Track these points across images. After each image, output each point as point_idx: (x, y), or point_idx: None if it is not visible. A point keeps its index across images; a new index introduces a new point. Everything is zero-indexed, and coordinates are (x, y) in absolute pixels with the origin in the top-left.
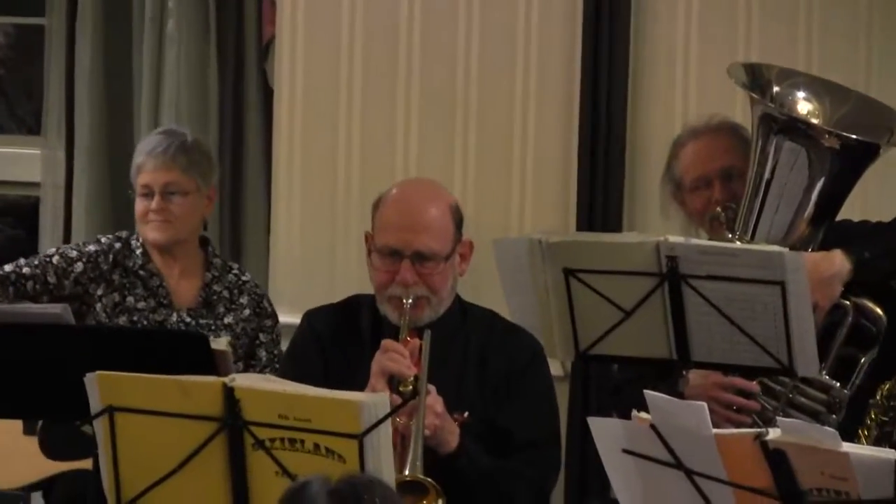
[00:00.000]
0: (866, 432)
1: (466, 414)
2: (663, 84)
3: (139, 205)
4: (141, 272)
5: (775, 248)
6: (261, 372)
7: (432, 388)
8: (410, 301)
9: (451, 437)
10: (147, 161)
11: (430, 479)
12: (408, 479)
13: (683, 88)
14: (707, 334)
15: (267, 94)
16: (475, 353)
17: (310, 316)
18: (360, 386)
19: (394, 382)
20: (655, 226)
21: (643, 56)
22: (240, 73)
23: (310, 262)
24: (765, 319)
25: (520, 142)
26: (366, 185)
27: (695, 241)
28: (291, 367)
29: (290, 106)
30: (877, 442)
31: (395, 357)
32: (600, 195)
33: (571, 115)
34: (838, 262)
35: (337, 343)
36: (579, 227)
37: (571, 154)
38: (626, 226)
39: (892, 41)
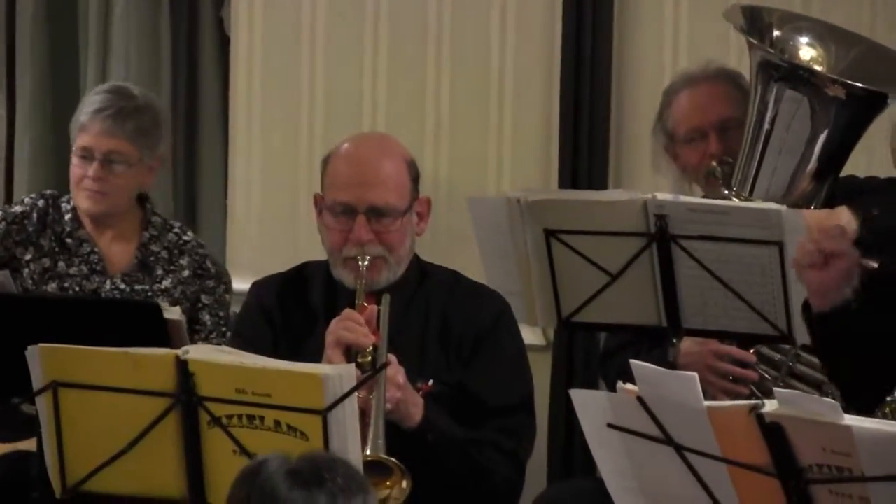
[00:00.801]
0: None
1: (430, 382)
2: (651, 30)
3: (76, 168)
4: (68, 240)
5: (772, 205)
6: (206, 338)
7: (392, 357)
8: (367, 262)
9: (415, 409)
10: (91, 122)
11: (393, 459)
12: (369, 459)
13: (673, 35)
14: (699, 299)
15: (223, 44)
16: (437, 316)
17: (256, 287)
18: (313, 359)
19: (351, 353)
20: (644, 183)
21: (629, 2)
22: (194, 20)
23: (270, 225)
24: (761, 283)
25: (497, 93)
26: (330, 143)
27: (685, 198)
28: (238, 344)
29: (249, 56)
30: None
31: (352, 326)
32: (584, 150)
33: (552, 63)
34: (845, 219)
35: (286, 315)
36: (561, 185)
37: (553, 105)
38: (611, 183)
39: None
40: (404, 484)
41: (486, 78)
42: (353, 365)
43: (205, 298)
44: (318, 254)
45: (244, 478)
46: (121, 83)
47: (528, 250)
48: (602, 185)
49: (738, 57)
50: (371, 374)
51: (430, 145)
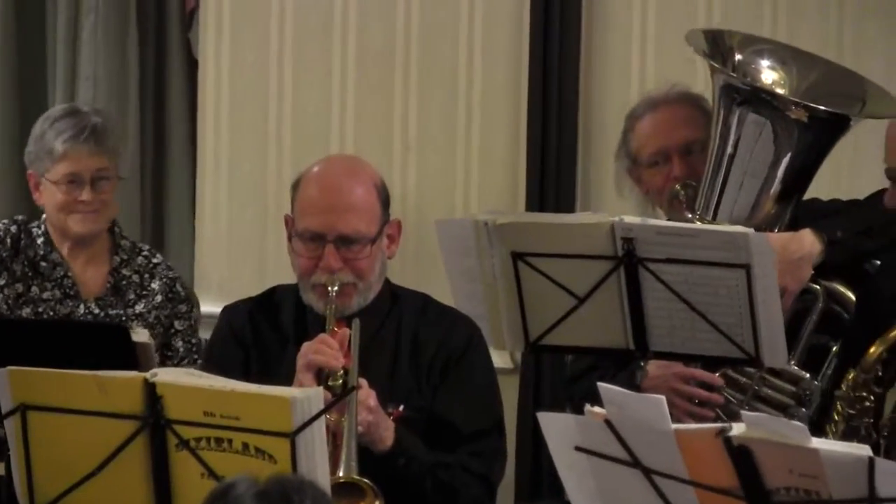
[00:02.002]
0: (833, 427)
1: (402, 407)
2: (619, 51)
3: (63, 195)
4: (42, 264)
5: (739, 228)
6: (178, 364)
7: (364, 381)
8: (336, 289)
9: (387, 433)
10: (73, 148)
11: (366, 480)
12: (342, 480)
13: (640, 56)
14: (667, 322)
15: (191, 66)
16: (408, 340)
17: (227, 312)
18: (284, 383)
19: (322, 376)
20: (612, 205)
21: (597, 21)
22: (161, 42)
23: (238, 247)
24: (729, 305)
25: (464, 116)
26: (298, 164)
27: (653, 221)
28: (210, 367)
29: (216, 78)
30: (844, 437)
31: (323, 349)
32: (552, 172)
33: (520, 85)
34: (808, 242)
35: (257, 338)
36: (529, 207)
37: (520, 128)
38: (579, 206)
39: (864, 6)
40: None
41: (454, 100)
42: (322, 388)
43: (178, 324)
44: (286, 276)
45: (212, 500)
46: (71, 104)
47: (496, 273)
48: (569, 207)
49: (706, 79)
50: (341, 396)
51: (398, 167)
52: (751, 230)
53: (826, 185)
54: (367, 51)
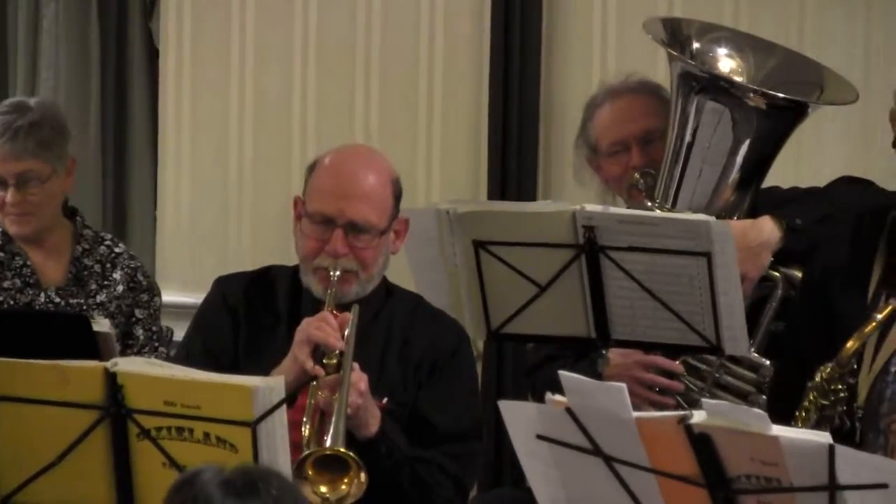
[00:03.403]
0: (804, 414)
1: (385, 400)
2: (580, 41)
3: None
4: (0, 254)
5: (700, 216)
6: (138, 353)
7: (356, 365)
8: (338, 273)
9: (373, 419)
10: None
11: (351, 454)
12: (328, 452)
13: (601, 46)
14: (628, 310)
15: (152, 55)
16: (398, 336)
17: (221, 282)
18: (273, 360)
19: (317, 354)
20: (573, 195)
21: (558, 11)
22: (123, 32)
23: (200, 237)
24: (690, 294)
25: (425, 106)
26: (260, 153)
27: (614, 209)
28: (199, 337)
29: (178, 67)
30: (816, 426)
31: (324, 327)
32: (513, 161)
33: (481, 75)
34: (768, 229)
35: (250, 311)
36: (491, 196)
37: (481, 117)
38: (540, 194)
39: None
40: (362, 477)
41: (415, 90)
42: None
43: (139, 313)
44: (248, 265)
45: (178, 487)
46: (17, 98)
47: (458, 262)
48: (531, 196)
49: (667, 68)
50: (328, 373)
51: None
52: (712, 218)
53: (788, 173)
54: (328, 41)
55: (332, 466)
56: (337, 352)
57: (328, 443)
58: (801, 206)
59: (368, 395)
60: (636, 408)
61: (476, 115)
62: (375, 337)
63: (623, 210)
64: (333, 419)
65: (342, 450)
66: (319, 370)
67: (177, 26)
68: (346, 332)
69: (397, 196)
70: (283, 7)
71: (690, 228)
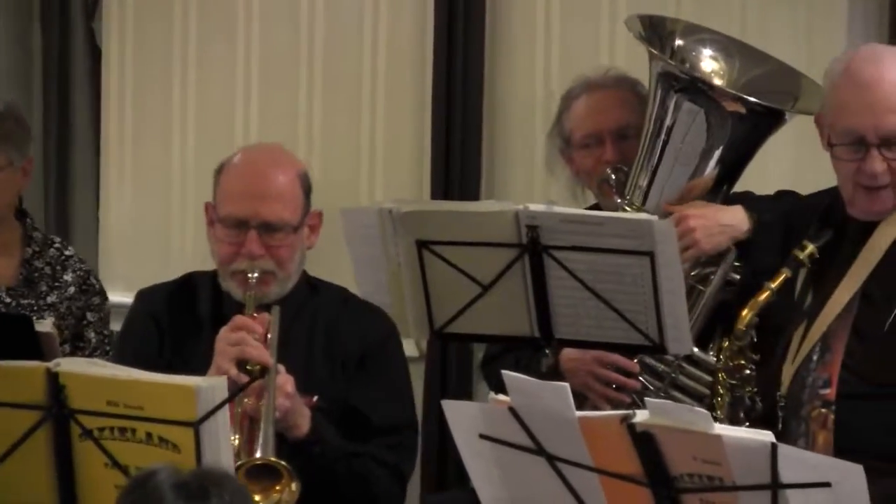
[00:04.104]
0: (718, 399)
1: (315, 398)
2: (522, 41)
3: None
4: None
5: (643, 215)
6: (90, 355)
7: (281, 367)
8: (256, 275)
9: (303, 420)
10: None
11: (282, 462)
12: (259, 462)
13: (545, 45)
14: (571, 309)
15: (95, 55)
16: (324, 331)
17: (142, 295)
18: (200, 367)
19: (241, 361)
20: (516, 193)
21: (501, 11)
22: (65, 32)
23: (143, 237)
24: (633, 293)
25: (369, 105)
26: (203, 153)
27: (557, 208)
28: (125, 351)
29: (120, 67)
30: (732, 408)
31: (243, 334)
32: (456, 160)
33: (424, 74)
34: (738, 217)
35: (173, 322)
36: (434, 196)
37: (425, 117)
38: (484, 194)
39: None
40: (293, 487)
41: (358, 89)
42: (225, 378)
43: (90, 315)
44: (191, 266)
45: (132, 487)
46: None
47: (400, 261)
48: (474, 196)
49: (611, 64)
50: (254, 379)
51: (303, 157)
52: (655, 217)
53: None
54: (271, 41)
55: (264, 474)
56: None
57: (258, 452)
58: (773, 203)
59: (296, 395)
60: (590, 405)
61: (419, 115)
62: (300, 334)
63: (566, 209)
64: (262, 425)
65: (272, 459)
66: (244, 377)
67: (119, 26)
68: (267, 336)
69: (307, 190)
70: (226, 7)
71: (633, 228)
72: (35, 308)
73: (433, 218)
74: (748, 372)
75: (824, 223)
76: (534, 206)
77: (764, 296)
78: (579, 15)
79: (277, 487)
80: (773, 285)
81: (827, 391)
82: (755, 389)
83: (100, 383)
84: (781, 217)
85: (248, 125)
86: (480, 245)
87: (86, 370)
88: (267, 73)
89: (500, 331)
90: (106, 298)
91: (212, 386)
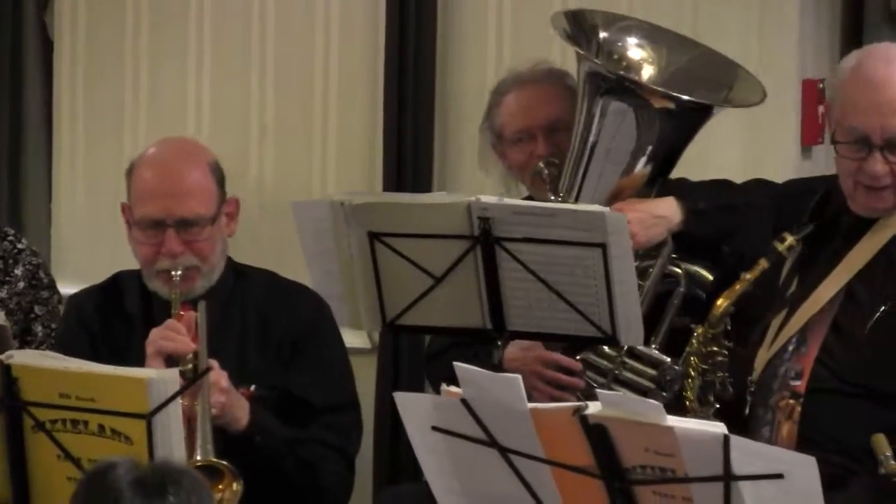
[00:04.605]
0: (689, 381)
1: (253, 387)
2: (475, 33)
3: None
4: None
5: (596, 207)
6: (37, 348)
7: (214, 362)
8: (179, 273)
9: (241, 413)
10: None
11: (223, 462)
12: (199, 463)
13: (496, 37)
14: (524, 301)
15: (47, 47)
16: (255, 318)
17: (73, 300)
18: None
19: (172, 362)
20: (468, 187)
21: (452, 7)
22: (18, 24)
23: (95, 230)
24: (586, 285)
25: (321, 97)
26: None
27: (509, 200)
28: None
29: (72, 60)
30: (702, 391)
31: (171, 335)
32: (408, 152)
33: (376, 66)
34: (671, 207)
35: (104, 326)
36: (386, 188)
37: (377, 109)
38: (436, 185)
39: None
40: (235, 486)
41: (311, 82)
42: (177, 370)
43: (38, 309)
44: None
45: (90, 479)
46: None
47: (353, 253)
48: (426, 188)
49: (562, 57)
50: (193, 379)
51: (255, 149)
52: (607, 209)
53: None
54: (224, 34)
55: (205, 475)
56: (191, 355)
57: (198, 453)
58: (706, 191)
59: (231, 389)
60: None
61: (371, 107)
62: (231, 326)
63: (518, 201)
64: (199, 425)
65: (212, 459)
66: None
67: (71, 18)
68: (197, 331)
69: (220, 180)
70: (179, 2)
71: (585, 219)
72: None
73: (385, 210)
74: (720, 358)
75: (818, 211)
76: (485, 198)
77: (740, 286)
78: (530, 8)
79: (220, 487)
80: (750, 276)
81: (798, 383)
82: (726, 374)
83: (52, 375)
84: (775, 200)
85: (200, 118)
86: (432, 237)
87: (38, 362)
88: (219, 67)
89: (453, 322)
90: (55, 292)
91: (163, 378)
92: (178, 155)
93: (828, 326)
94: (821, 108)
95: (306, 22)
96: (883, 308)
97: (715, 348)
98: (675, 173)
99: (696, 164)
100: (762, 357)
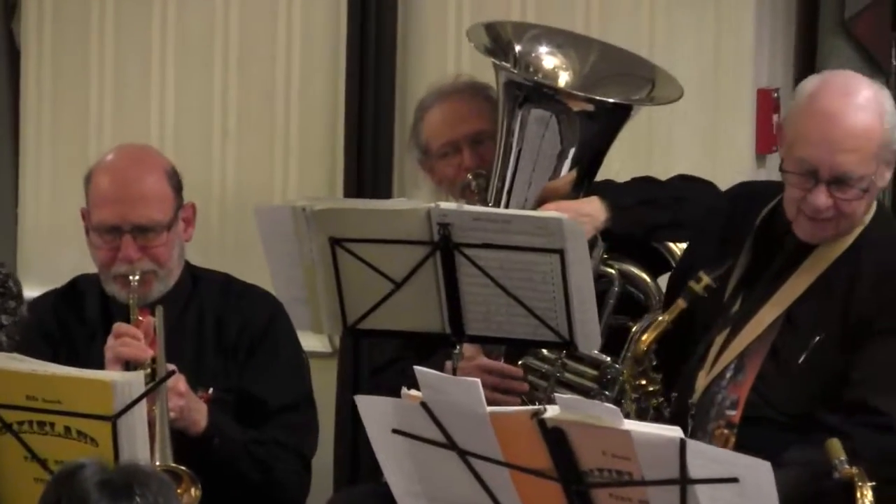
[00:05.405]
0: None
1: (211, 390)
2: (434, 41)
3: None
4: None
5: (554, 213)
6: None
7: (173, 367)
8: (137, 278)
9: (199, 416)
10: None
11: (182, 467)
12: (158, 468)
13: (455, 45)
14: (482, 306)
15: (14, 56)
16: (211, 322)
17: (34, 305)
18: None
19: (130, 368)
20: (427, 192)
21: (412, 12)
22: None
23: (60, 234)
24: (544, 290)
25: (282, 104)
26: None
27: (468, 206)
28: None
29: (38, 68)
30: (638, 416)
31: (128, 341)
32: (369, 159)
33: (337, 74)
34: (595, 206)
35: (64, 331)
36: (347, 193)
37: (338, 115)
38: (396, 191)
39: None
40: (193, 492)
41: (272, 88)
42: (142, 372)
43: (4, 318)
44: None
45: (58, 480)
46: None
47: (314, 258)
48: (387, 193)
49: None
50: (154, 384)
51: (218, 154)
52: (565, 216)
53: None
54: (186, 41)
55: None
56: (149, 360)
57: (157, 458)
58: (628, 188)
59: (189, 393)
60: None
61: (332, 115)
62: (188, 329)
63: (477, 207)
64: (158, 430)
65: (171, 465)
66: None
67: (37, 27)
68: (155, 336)
69: (176, 187)
70: (142, 9)
71: (543, 225)
72: None
73: (346, 216)
74: (651, 389)
75: (765, 225)
76: (445, 205)
77: (660, 327)
78: (492, 13)
79: (179, 490)
80: (668, 318)
81: (733, 413)
82: (661, 400)
83: (18, 378)
84: (728, 202)
85: (163, 124)
86: (393, 242)
87: (5, 365)
88: (182, 73)
89: (413, 327)
90: (22, 302)
91: (128, 381)
92: (134, 162)
93: (766, 352)
94: (775, 117)
95: (268, 28)
96: (818, 338)
97: (644, 381)
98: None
99: (653, 171)
100: (702, 380)
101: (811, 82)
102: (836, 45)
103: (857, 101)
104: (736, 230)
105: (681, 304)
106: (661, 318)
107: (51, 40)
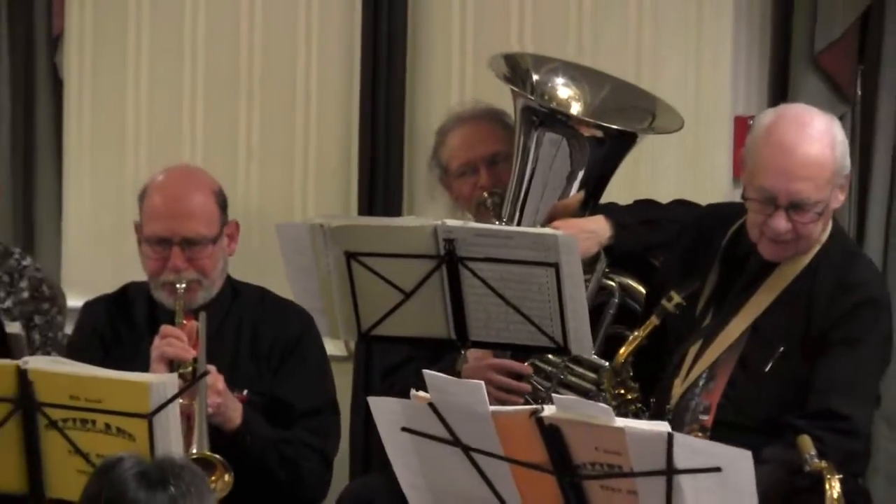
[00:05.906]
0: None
1: (245, 392)
2: (440, 72)
3: None
4: None
5: (549, 230)
6: (34, 353)
7: (212, 367)
8: (183, 286)
9: (235, 413)
10: None
11: (217, 456)
12: (195, 456)
13: (459, 76)
14: (484, 314)
15: (57, 86)
16: (248, 330)
17: (86, 308)
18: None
19: (174, 366)
20: (434, 210)
21: (420, 43)
22: (31, 65)
23: (100, 247)
24: (540, 300)
25: (302, 129)
26: (154, 167)
27: (472, 224)
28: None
29: (79, 96)
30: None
31: (173, 342)
32: (380, 180)
33: (352, 104)
34: (600, 223)
35: (114, 332)
36: (360, 211)
37: (352, 140)
38: (405, 210)
39: (659, 29)
40: (227, 478)
41: (292, 116)
42: (176, 374)
43: (37, 319)
44: (141, 272)
45: (99, 473)
46: None
47: (331, 271)
48: (397, 212)
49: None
50: (193, 381)
51: (242, 175)
52: (560, 232)
53: (626, 199)
54: (214, 70)
55: (201, 466)
56: (191, 359)
57: (194, 447)
58: (631, 210)
59: (227, 392)
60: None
61: (347, 138)
62: (227, 336)
63: (480, 224)
64: (196, 423)
65: (207, 453)
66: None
67: (78, 61)
68: (197, 339)
69: (222, 205)
70: (174, 40)
71: (539, 241)
72: None
73: (360, 232)
74: (630, 396)
75: (732, 243)
76: (451, 222)
77: (635, 343)
78: (490, 48)
79: (213, 478)
80: (643, 333)
81: (706, 417)
82: (640, 406)
83: (64, 379)
84: (694, 223)
85: (193, 147)
86: (403, 256)
87: (51, 367)
88: (211, 101)
89: (420, 333)
90: (54, 305)
91: (163, 382)
92: (184, 181)
93: (735, 361)
94: None
95: (288, 61)
96: (782, 348)
97: (622, 391)
98: (622, 199)
99: (641, 192)
100: (678, 388)
101: (767, 116)
102: (806, 76)
103: (810, 133)
104: (703, 250)
105: (654, 320)
106: (636, 334)
107: (90, 72)
